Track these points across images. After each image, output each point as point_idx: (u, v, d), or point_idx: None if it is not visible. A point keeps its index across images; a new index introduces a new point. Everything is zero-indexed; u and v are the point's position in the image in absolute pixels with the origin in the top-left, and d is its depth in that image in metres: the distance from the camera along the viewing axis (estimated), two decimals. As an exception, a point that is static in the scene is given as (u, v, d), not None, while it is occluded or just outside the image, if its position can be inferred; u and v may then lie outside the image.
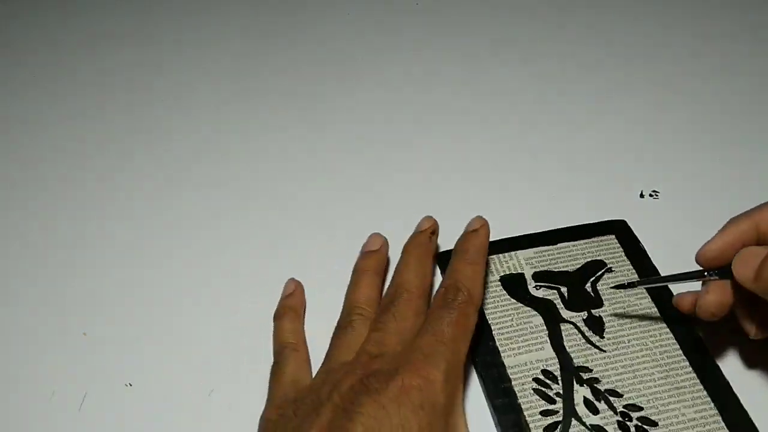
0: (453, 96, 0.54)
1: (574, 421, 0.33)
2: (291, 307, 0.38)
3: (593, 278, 0.39)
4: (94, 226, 0.45)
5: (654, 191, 0.45)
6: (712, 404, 0.33)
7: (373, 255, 0.40)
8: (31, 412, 0.36)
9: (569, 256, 0.40)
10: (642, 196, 0.44)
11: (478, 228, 0.38)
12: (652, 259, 0.40)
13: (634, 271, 0.39)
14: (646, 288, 0.38)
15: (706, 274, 0.33)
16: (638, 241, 0.41)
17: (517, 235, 0.42)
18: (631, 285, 0.36)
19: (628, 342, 0.36)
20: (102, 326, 0.39)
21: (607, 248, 0.41)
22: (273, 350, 0.37)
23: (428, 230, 0.40)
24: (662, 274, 0.39)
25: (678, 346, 0.36)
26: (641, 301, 0.38)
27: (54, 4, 0.67)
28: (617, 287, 0.38)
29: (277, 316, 0.38)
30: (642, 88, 0.53)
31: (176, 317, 0.40)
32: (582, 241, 0.41)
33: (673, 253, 0.41)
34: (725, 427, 0.33)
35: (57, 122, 0.54)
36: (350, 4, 0.64)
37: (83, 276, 0.42)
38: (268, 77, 0.57)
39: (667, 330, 0.37)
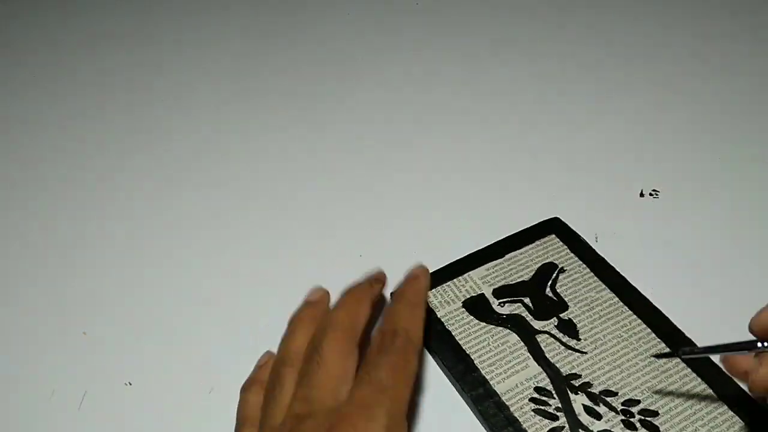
0: (453, 96, 0.54)
1: None
2: (258, 380, 0.35)
3: (550, 282, 0.39)
4: (94, 226, 0.45)
5: (654, 190, 0.45)
6: (700, 380, 0.34)
7: (309, 306, 0.36)
8: (31, 411, 0.36)
9: (520, 265, 0.40)
10: (642, 195, 0.44)
11: (418, 275, 0.36)
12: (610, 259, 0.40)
13: (584, 265, 0.40)
14: (687, 357, 0.36)
15: (759, 345, 0.28)
16: (577, 235, 0.41)
17: (463, 255, 0.41)
18: (675, 355, 0.34)
19: (605, 338, 0.36)
20: (102, 325, 0.40)
21: (553, 248, 0.41)
22: (235, 424, 0.34)
23: (373, 278, 0.36)
24: (706, 344, 0.32)
25: (650, 331, 0.36)
26: (602, 294, 0.38)
27: (54, 4, 0.67)
28: (658, 356, 0.35)
29: (244, 389, 0.35)
30: (642, 88, 0.53)
31: (176, 316, 0.40)
32: (527, 247, 0.41)
33: (672, 252, 0.41)
34: (718, 399, 0.33)
35: (57, 122, 0.54)
36: (350, 4, 0.64)
37: (83, 275, 0.42)
38: (268, 77, 0.57)
39: (635, 317, 0.37)
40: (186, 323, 0.39)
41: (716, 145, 0.48)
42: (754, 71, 0.54)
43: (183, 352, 0.38)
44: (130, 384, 0.37)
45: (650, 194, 0.44)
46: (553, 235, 0.42)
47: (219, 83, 0.56)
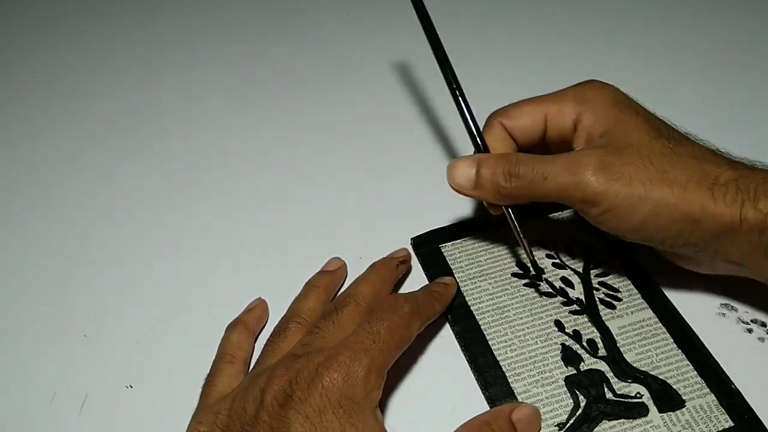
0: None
1: None
2: (243, 322, 0.38)
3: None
4: (95, 228, 0.45)
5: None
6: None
7: (327, 274, 0.40)
8: (32, 414, 0.36)
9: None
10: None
11: (448, 283, 0.38)
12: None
13: None
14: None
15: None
16: None
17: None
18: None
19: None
20: (103, 328, 0.40)
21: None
22: (214, 357, 0.36)
23: (398, 258, 0.39)
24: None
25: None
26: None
27: (54, 4, 0.67)
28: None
29: (228, 328, 0.38)
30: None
31: (177, 319, 0.40)
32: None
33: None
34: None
35: (57, 122, 0.54)
36: (351, 4, 0.64)
37: (84, 278, 0.42)
38: (267, 79, 0.57)
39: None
40: (187, 326, 0.39)
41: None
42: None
43: (184, 355, 0.38)
44: (132, 387, 0.37)
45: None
46: None
47: (217, 84, 0.56)
